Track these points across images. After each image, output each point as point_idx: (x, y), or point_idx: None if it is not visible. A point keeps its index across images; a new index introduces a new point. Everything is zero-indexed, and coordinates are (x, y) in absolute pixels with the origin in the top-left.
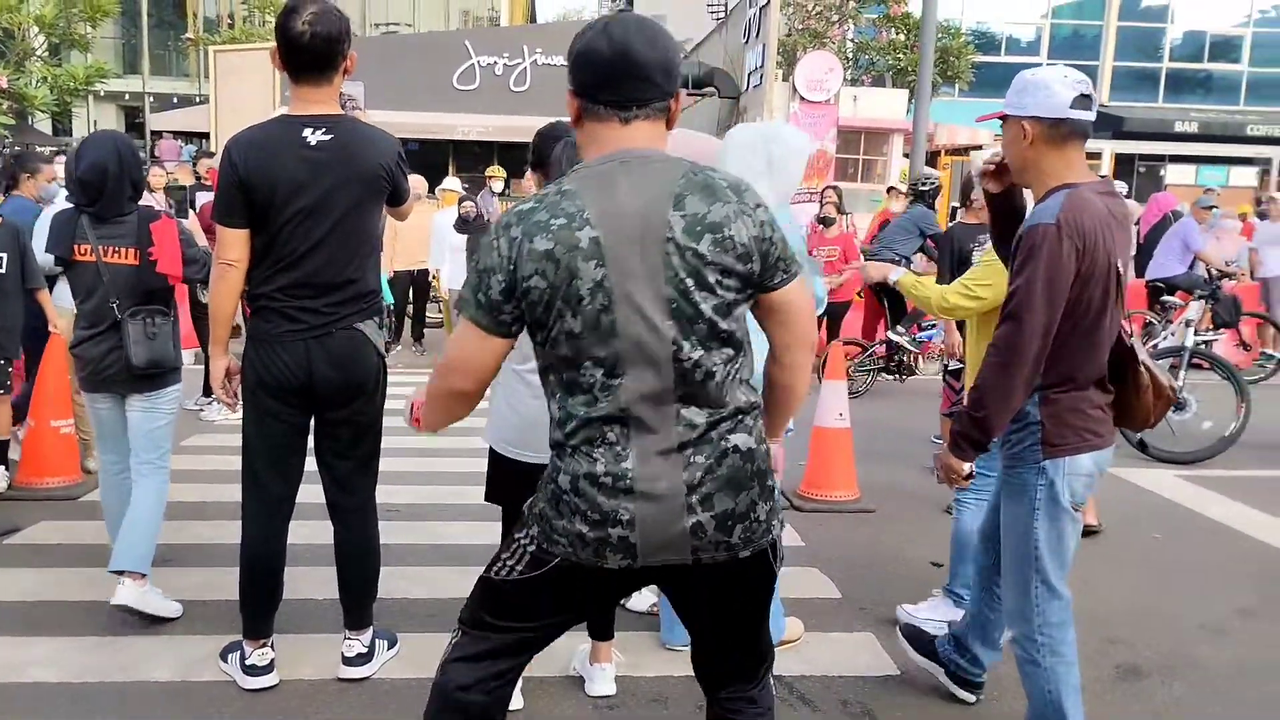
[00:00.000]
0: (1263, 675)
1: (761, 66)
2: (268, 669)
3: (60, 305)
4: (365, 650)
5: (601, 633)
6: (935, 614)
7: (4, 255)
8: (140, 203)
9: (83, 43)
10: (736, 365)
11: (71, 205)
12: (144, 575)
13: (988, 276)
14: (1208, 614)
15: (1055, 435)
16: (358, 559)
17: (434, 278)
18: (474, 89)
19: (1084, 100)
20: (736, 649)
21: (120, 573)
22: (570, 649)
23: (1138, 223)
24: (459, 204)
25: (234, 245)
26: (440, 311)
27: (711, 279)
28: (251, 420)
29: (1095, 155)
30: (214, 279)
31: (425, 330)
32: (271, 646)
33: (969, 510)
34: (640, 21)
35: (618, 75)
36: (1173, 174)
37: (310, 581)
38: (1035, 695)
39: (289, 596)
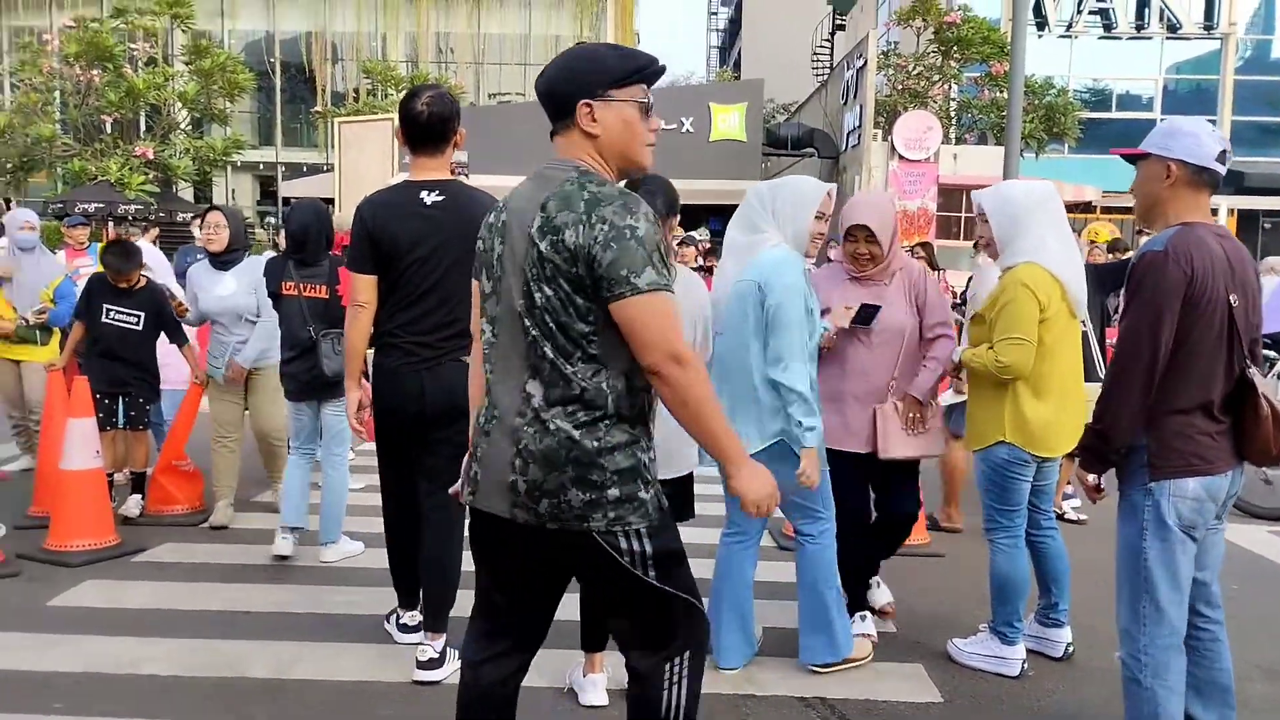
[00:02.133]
0: None
1: (859, 127)
2: (416, 628)
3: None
4: (437, 655)
5: (593, 645)
6: (981, 649)
7: (142, 314)
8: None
9: (222, 116)
10: (575, 359)
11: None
12: (336, 541)
13: (1014, 322)
14: (1262, 655)
15: (1160, 458)
16: (437, 565)
17: None
18: None
19: (1224, 155)
20: (611, 618)
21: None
22: (563, 667)
23: None
24: None
25: (365, 289)
26: None
27: (548, 273)
28: (380, 441)
29: (1213, 211)
30: (349, 320)
31: None
32: (420, 611)
33: (1003, 553)
34: (550, 65)
35: (545, 107)
36: None
37: None
38: (1133, 717)
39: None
